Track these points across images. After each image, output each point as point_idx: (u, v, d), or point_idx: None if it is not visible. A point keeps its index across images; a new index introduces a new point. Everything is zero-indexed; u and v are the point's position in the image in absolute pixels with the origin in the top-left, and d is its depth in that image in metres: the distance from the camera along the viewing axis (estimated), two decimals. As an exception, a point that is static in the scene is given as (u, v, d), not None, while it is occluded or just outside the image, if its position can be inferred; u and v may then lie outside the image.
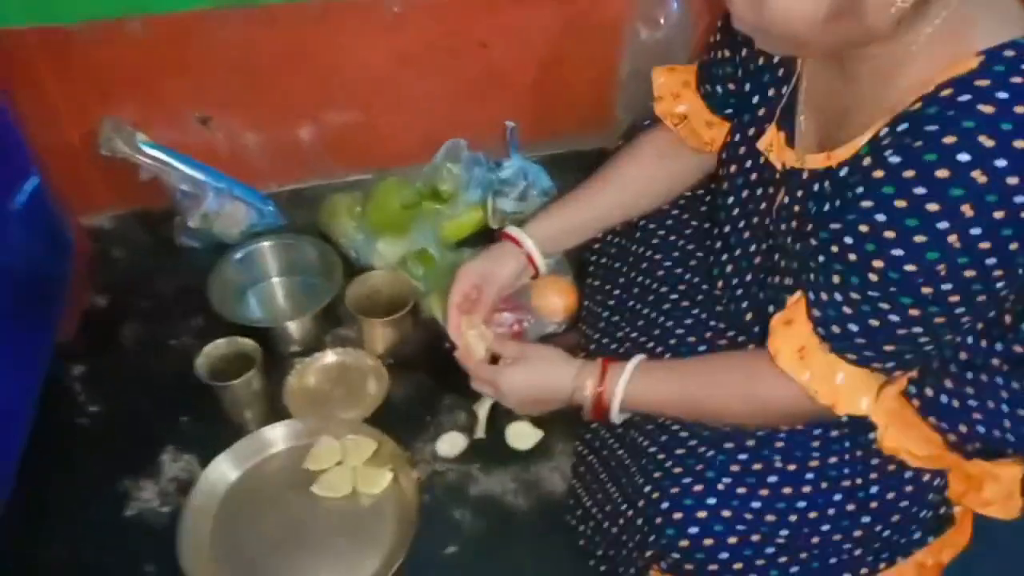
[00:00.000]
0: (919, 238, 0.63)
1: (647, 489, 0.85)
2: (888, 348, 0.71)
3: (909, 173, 0.63)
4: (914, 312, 0.67)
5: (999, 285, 0.65)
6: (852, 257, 0.68)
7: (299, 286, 1.37)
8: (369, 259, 1.34)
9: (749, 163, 0.88)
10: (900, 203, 0.64)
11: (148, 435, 1.16)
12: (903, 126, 0.65)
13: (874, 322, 0.70)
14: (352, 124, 1.46)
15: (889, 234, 0.65)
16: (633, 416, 0.94)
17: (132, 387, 1.22)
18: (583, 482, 1.03)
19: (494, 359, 0.99)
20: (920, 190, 0.63)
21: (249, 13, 1.27)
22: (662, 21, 1.39)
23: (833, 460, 0.82)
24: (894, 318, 0.68)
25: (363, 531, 1.05)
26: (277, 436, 1.13)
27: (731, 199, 0.92)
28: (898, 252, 0.65)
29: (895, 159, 0.64)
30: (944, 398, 0.79)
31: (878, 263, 0.66)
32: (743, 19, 0.67)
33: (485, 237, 1.42)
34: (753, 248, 0.90)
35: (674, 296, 1.02)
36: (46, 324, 1.17)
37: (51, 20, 1.19)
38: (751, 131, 0.88)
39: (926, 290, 0.65)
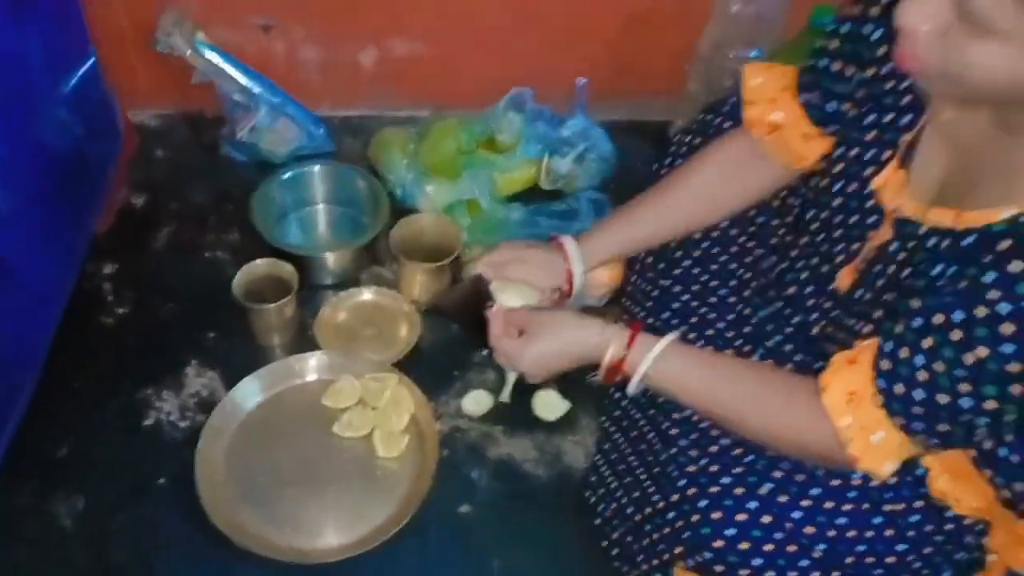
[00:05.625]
0: None
1: (682, 483, 0.83)
2: (942, 428, 0.68)
3: None
4: (990, 405, 0.64)
5: None
6: (956, 336, 0.63)
7: (343, 217, 1.34)
8: (416, 200, 1.30)
9: (846, 186, 0.82)
10: None
11: (173, 346, 1.14)
12: None
13: (943, 398, 0.66)
14: (417, 56, 1.42)
15: (1007, 329, 0.60)
16: (658, 398, 0.92)
17: (161, 293, 1.20)
18: (608, 460, 1.01)
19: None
20: None
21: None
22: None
23: (877, 482, 0.79)
24: (966, 403, 0.65)
25: (377, 478, 1.04)
26: (306, 367, 1.11)
27: (814, 215, 0.87)
28: (1009, 349, 0.61)
29: None
30: (1004, 452, 0.75)
31: (983, 351, 0.62)
32: (926, 62, 0.61)
33: (535, 194, 1.38)
34: (825, 268, 0.86)
35: (724, 291, 0.99)
36: (88, 210, 1.14)
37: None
38: (853, 152, 0.81)
39: (1017, 390, 0.62)
